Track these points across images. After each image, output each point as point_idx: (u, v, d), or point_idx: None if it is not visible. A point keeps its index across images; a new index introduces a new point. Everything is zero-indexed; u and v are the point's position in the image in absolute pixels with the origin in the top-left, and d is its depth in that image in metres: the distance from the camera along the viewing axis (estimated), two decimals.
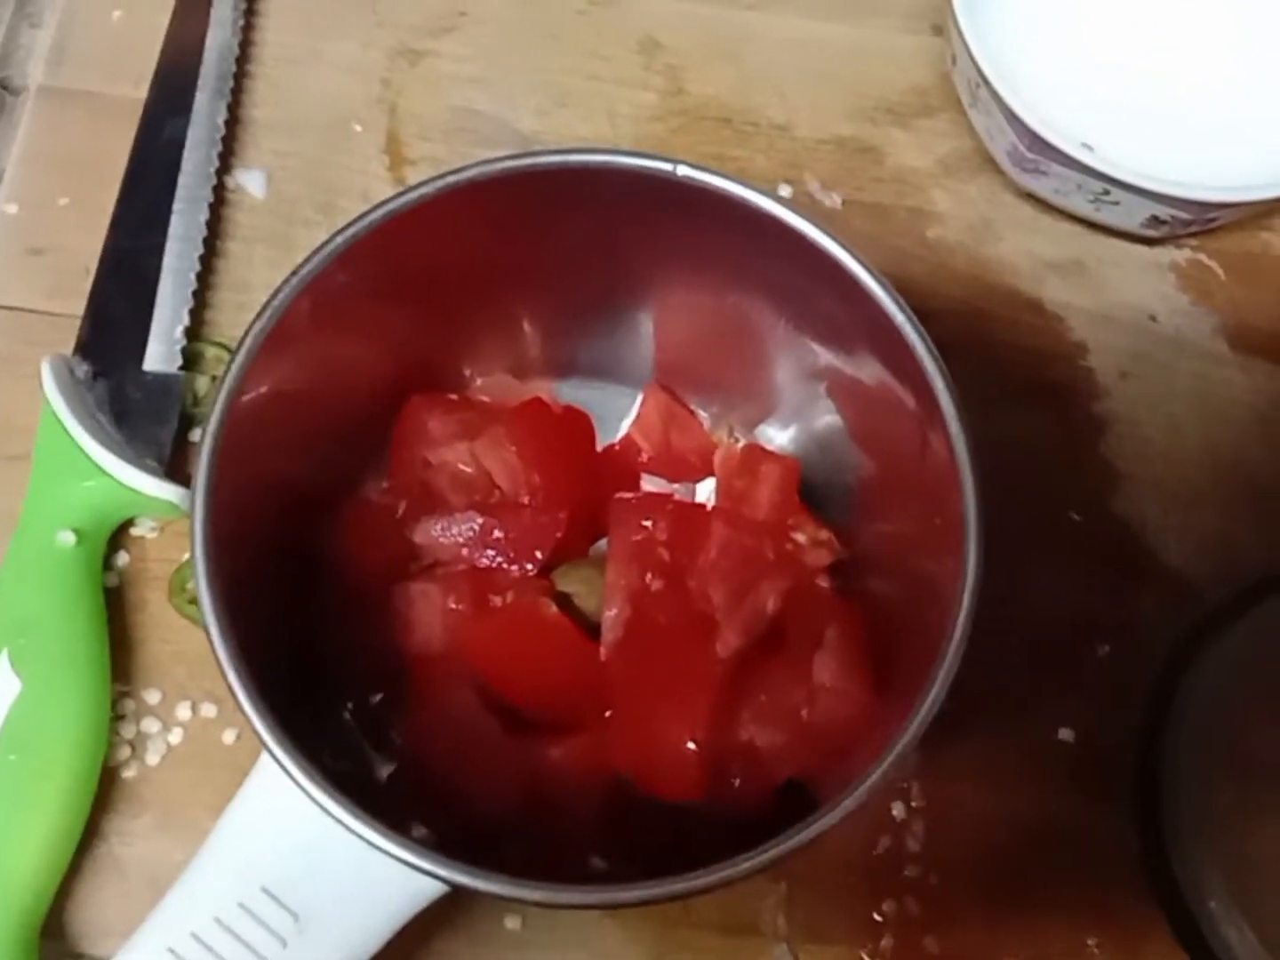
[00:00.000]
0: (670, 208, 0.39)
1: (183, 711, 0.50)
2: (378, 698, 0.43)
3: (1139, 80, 0.57)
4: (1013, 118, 0.53)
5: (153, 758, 0.50)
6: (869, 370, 0.40)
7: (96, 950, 0.48)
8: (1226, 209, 0.53)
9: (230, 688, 0.33)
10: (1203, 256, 0.60)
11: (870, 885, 0.50)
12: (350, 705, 0.42)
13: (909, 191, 0.61)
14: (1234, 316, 0.59)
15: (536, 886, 0.31)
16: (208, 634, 0.34)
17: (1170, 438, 0.57)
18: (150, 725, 0.50)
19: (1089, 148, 0.52)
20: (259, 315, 0.36)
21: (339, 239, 0.36)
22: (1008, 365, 0.59)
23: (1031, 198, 0.60)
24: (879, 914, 0.50)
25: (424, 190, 0.37)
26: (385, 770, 0.43)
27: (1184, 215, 0.54)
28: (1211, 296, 0.60)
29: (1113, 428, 0.57)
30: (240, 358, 0.36)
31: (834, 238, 0.37)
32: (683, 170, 0.37)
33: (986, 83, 0.53)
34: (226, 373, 0.36)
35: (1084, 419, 0.57)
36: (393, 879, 0.33)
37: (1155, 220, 0.55)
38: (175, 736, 0.50)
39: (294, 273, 0.36)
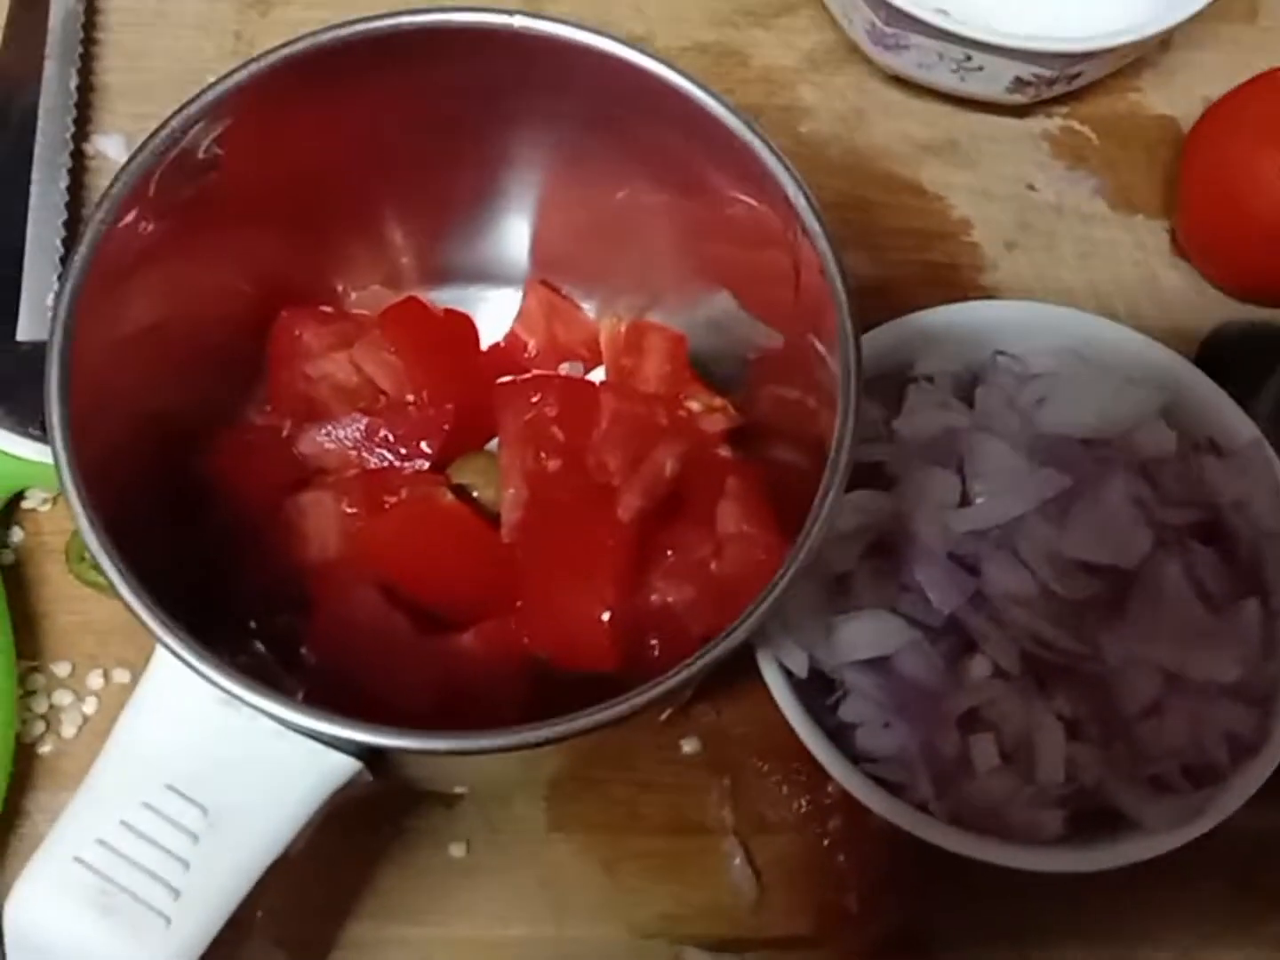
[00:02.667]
0: (519, 77, 0.38)
1: (95, 681, 0.49)
2: (284, 619, 0.42)
3: None
4: None
5: (69, 730, 0.49)
6: (738, 215, 0.39)
7: None
8: (1085, 60, 0.53)
9: (108, 577, 0.32)
10: (1074, 123, 0.61)
11: (815, 769, 0.49)
12: (254, 626, 0.41)
13: (777, 90, 0.61)
14: (1111, 177, 0.60)
15: (444, 736, 0.31)
16: (79, 526, 0.32)
17: (1060, 302, 0.57)
18: (63, 698, 0.49)
19: (944, 13, 0.52)
20: (85, 230, 0.35)
21: (159, 137, 0.35)
22: (895, 250, 0.59)
23: (900, 82, 0.60)
24: (827, 796, 0.49)
25: (251, 69, 0.36)
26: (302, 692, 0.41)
27: (1046, 73, 0.54)
28: (1087, 160, 0.60)
29: (1004, 298, 0.57)
30: (69, 284, 0.34)
31: (665, 61, 0.36)
32: (520, 21, 0.36)
33: None
34: (56, 304, 0.34)
35: (975, 293, 0.57)
36: (300, 760, 0.32)
37: (1019, 82, 0.55)
38: (89, 707, 0.49)
39: (115, 179, 0.35)
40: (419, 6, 0.37)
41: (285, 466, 0.43)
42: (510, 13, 0.36)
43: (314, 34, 0.36)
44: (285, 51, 0.36)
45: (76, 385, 0.34)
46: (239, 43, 0.59)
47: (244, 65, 0.36)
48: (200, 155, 0.36)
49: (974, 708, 0.43)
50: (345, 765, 0.32)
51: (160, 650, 0.32)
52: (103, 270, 0.34)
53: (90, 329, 0.34)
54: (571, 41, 0.36)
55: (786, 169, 0.36)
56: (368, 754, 0.33)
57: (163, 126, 0.35)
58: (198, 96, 0.36)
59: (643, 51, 0.36)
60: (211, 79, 0.55)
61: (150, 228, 0.36)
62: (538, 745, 0.31)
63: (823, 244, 0.35)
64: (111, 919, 0.31)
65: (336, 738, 0.31)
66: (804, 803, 0.49)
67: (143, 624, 0.32)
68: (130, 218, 0.35)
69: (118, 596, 0.32)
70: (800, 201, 0.35)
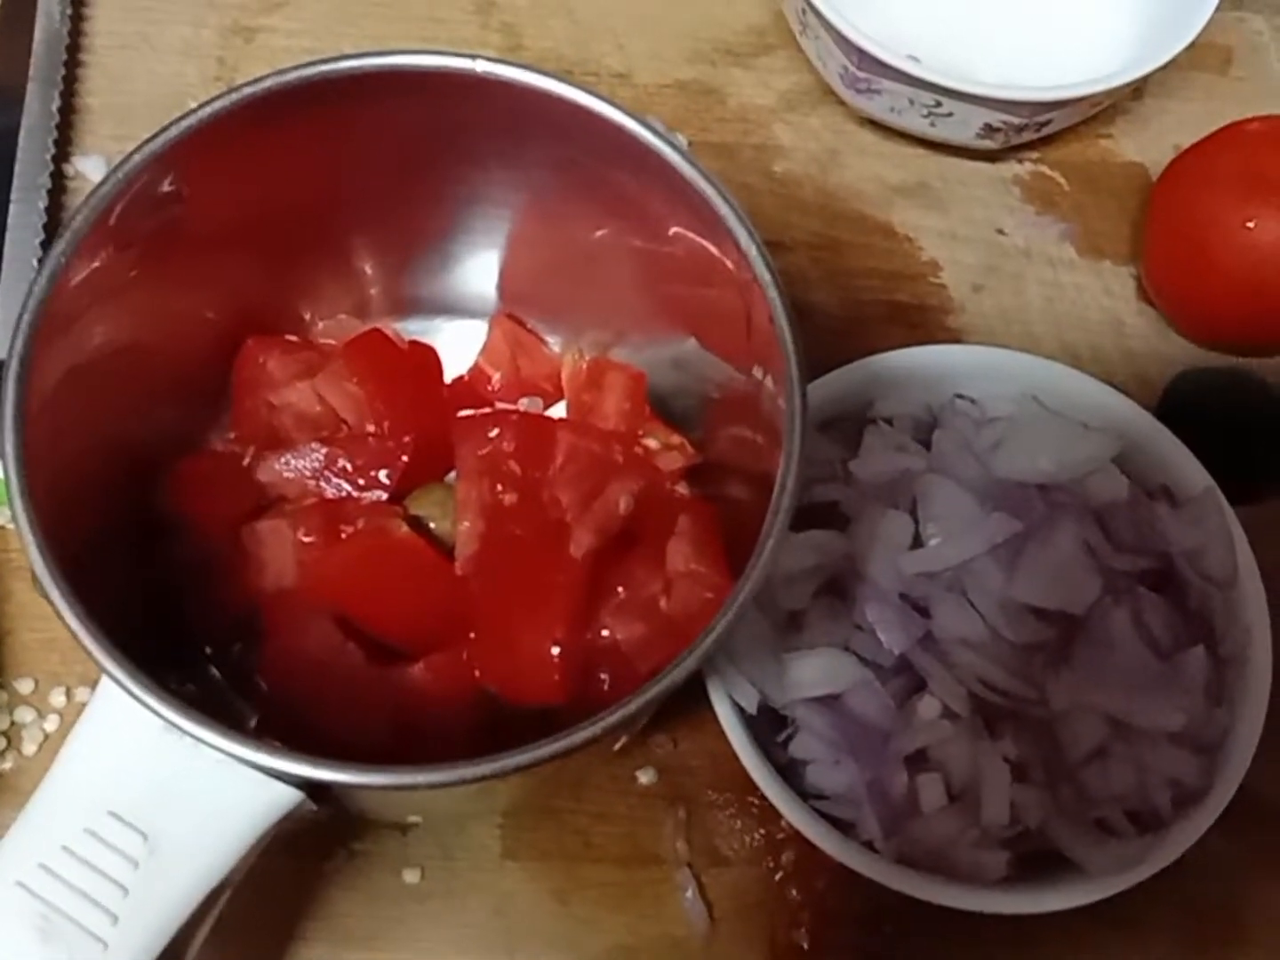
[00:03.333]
0: (484, 118, 0.39)
1: (57, 698, 0.49)
2: (239, 645, 0.42)
3: None
4: (839, 38, 0.54)
5: (29, 747, 0.49)
6: (695, 258, 0.40)
7: None
8: (1054, 109, 0.54)
9: (55, 608, 0.32)
10: (1045, 168, 0.62)
11: (768, 804, 0.50)
12: (209, 651, 0.41)
13: (753, 129, 0.61)
14: (1080, 223, 0.61)
15: (383, 771, 0.31)
16: (28, 552, 0.33)
17: (1025, 345, 0.57)
18: (24, 715, 0.49)
19: (915, 60, 0.53)
20: (37, 279, 0.35)
21: (121, 172, 0.35)
22: (864, 290, 0.59)
23: (873, 125, 0.61)
24: (780, 831, 0.49)
25: (219, 104, 0.36)
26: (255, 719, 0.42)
27: (1014, 119, 0.55)
28: (1056, 206, 0.61)
29: (969, 340, 0.58)
30: (25, 317, 0.34)
31: (622, 109, 0.37)
32: (482, 66, 0.37)
33: (812, 7, 0.54)
34: (13, 336, 0.34)
35: (941, 334, 0.58)
36: (241, 790, 0.33)
37: (989, 129, 0.56)
38: (51, 724, 0.49)
39: (75, 212, 0.35)
40: (390, 48, 0.37)
41: (246, 494, 0.43)
42: (473, 56, 0.37)
43: (279, 73, 0.37)
44: (248, 91, 0.36)
45: (34, 412, 0.34)
46: (222, 68, 0.60)
47: (207, 103, 0.36)
48: (163, 190, 0.36)
49: (922, 748, 0.44)
50: (287, 796, 0.33)
51: (105, 679, 0.33)
52: (62, 301, 0.35)
53: (50, 357, 0.35)
54: (533, 87, 0.37)
55: (739, 218, 0.36)
56: (310, 785, 0.33)
57: (124, 162, 0.35)
58: (160, 133, 0.36)
59: (600, 99, 0.37)
60: (193, 103, 0.57)
61: (112, 259, 0.36)
62: (476, 781, 0.31)
63: (772, 293, 0.35)
64: (51, 944, 0.32)
65: (276, 770, 0.32)
66: (757, 836, 0.50)
67: (86, 652, 0.32)
68: (91, 250, 0.35)
69: (63, 624, 0.32)
70: (752, 251, 0.36)
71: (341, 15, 0.61)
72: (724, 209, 0.36)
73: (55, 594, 0.32)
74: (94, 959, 0.32)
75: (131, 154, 0.35)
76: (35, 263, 0.54)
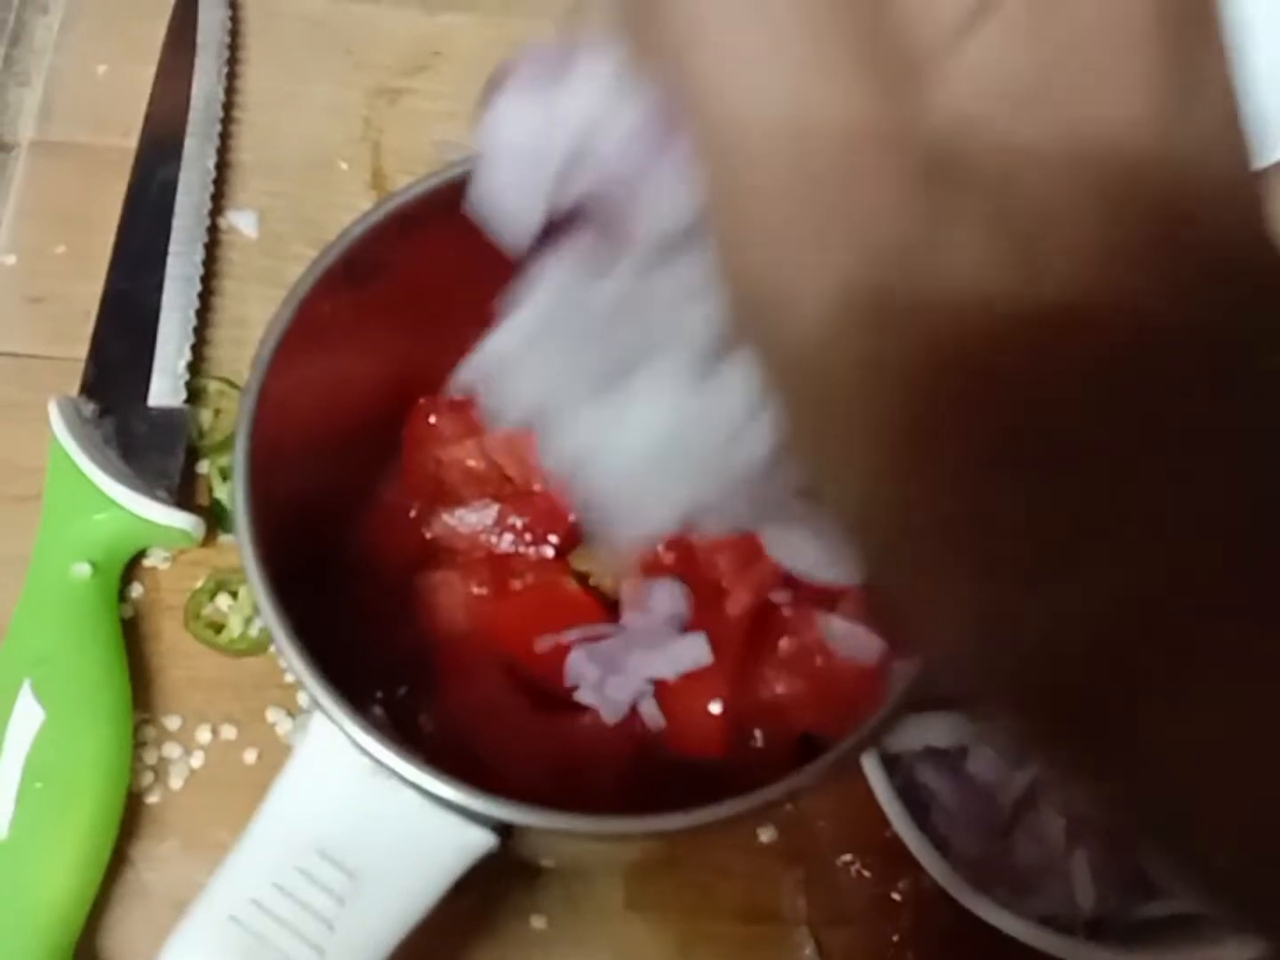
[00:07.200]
0: None
1: (203, 735, 0.51)
2: (404, 690, 0.44)
3: None
4: None
5: (175, 782, 0.50)
6: None
7: None
8: None
9: (280, 649, 0.34)
10: None
11: (886, 866, 0.51)
12: (379, 696, 0.43)
13: None
14: None
15: (588, 818, 0.32)
16: (260, 600, 0.34)
17: None
18: (172, 750, 0.51)
19: None
20: (271, 329, 0.37)
21: (334, 250, 0.38)
22: None
23: None
24: (897, 893, 0.50)
25: (428, 184, 0.38)
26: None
27: None
28: None
29: None
30: (257, 373, 0.37)
31: None
32: None
33: None
34: (246, 391, 0.37)
35: None
36: (442, 832, 0.34)
37: None
38: (197, 760, 0.51)
39: (300, 281, 0.38)
40: None
41: (414, 545, 0.45)
42: None
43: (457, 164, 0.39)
44: (450, 175, 0.38)
45: (255, 464, 0.36)
46: (368, 128, 0.62)
47: (417, 182, 0.38)
48: (372, 260, 0.38)
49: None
50: (482, 839, 0.34)
51: (317, 721, 0.34)
52: (280, 363, 0.37)
53: (266, 415, 0.37)
54: None
55: None
56: (504, 829, 0.34)
57: (347, 231, 0.38)
58: (378, 206, 0.38)
59: None
60: (342, 164, 0.60)
61: (321, 324, 0.38)
62: (677, 833, 0.33)
63: None
64: None
65: (481, 814, 0.33)
66: (875, 897, 0.51)
67: (311, 694, 0.34)
68: (307, 316, 0.37)
69: (294, 673, 0.34)
70: None
71: (480, 79, 0.63)
72: None
73: (282, 637, 0.34)
74: None
75: (353, 225, 0.38)
76: (192, 314, 0.56)
